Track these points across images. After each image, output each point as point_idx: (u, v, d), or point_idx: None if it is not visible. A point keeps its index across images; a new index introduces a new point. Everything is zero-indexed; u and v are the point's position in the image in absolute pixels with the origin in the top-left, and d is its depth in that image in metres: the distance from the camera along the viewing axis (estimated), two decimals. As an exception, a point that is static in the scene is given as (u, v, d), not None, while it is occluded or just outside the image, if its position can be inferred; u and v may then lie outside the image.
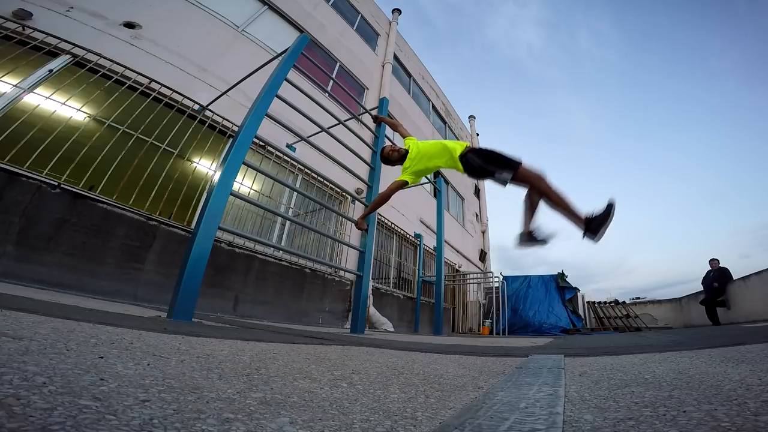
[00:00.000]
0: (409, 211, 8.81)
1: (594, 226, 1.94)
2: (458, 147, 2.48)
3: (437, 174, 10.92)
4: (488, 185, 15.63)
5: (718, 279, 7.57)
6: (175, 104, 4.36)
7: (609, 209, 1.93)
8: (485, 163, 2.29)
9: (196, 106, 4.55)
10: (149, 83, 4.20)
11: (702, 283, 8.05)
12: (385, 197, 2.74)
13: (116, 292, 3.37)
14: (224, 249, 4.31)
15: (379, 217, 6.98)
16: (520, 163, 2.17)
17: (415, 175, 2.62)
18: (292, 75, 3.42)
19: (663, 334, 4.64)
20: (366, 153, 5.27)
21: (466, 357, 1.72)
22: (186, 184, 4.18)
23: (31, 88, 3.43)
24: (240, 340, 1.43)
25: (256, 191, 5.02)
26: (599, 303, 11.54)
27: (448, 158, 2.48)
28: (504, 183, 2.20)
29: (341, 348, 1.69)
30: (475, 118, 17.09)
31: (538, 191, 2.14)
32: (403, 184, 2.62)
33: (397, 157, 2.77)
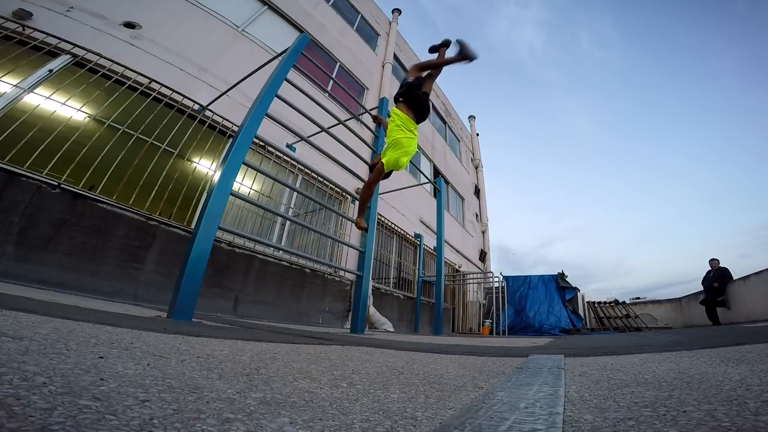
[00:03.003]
0: (409, 211, 8.81)
1: (466, 53, 2.73)
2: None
3: (437, 174, 10.96)
4: (488, 187, 15.63)
5: (718, 279, 7.56)
6: (175, 104, 4.36)
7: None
8: (416, 98, 2.77)
9: (196, 106, 4.55)
10: (149, 83, 4.20)
11: (702, 283, 8.05)
12: (371, 183, 2.80)
13: (116, 292, 3.37)
14: (224, 249, 4.31)
15: (379, 217, 6.99)
16: (412, 83, 2.77)
17: (392, 150, 2.62)
18: (292, 75, 3.42)
19: (663, 334, 4.64)
20: (366, 153, 5.26)
21: (466, 357, 1.72)
22: (186, 184, 4.18)
23: (31, 88, 3.43)
24: (240, 340, 1.43)
25: (256, 191, 5.02)
26: (599, 303, 11.53)
27: (406, 118, 2.70)
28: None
29: (341, 348, 1.69)
30: (475, 118, 17.10)
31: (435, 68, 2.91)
32: (381, 167, 2.64)
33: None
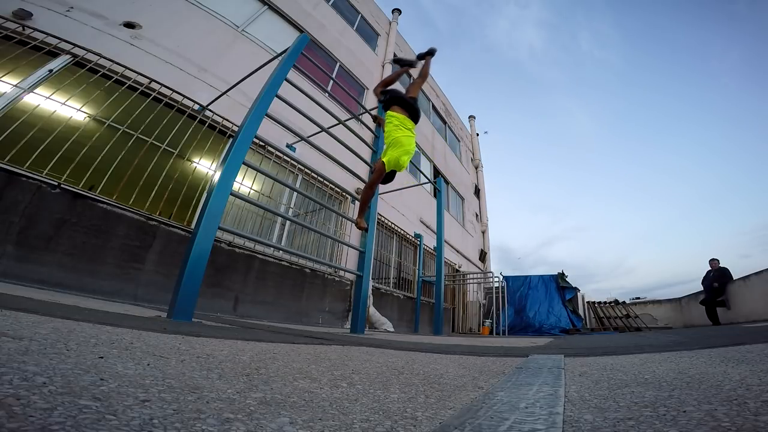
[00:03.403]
0: (409, 211, 8.81)
1: (403, 63, 3.35)
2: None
3: (437, 174, 10.96)
4: (488, 187, 15.65)
5: (718, 279, 7.56)
6: (175, 104, 4.36)
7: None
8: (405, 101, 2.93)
9: (196, 106, 4.55)
10: (149, 83, 4.20)
11: (702, 283, 8.04)
12: (372, 184, 2.85)
13: (116, 292, 3.37)
14: (224, 249, 4.31)
15: (379, 217, 6.99)
16: (394, 94, 3.02)
17: (393, 149, 2.67)
18: (292, 75, 3.42)
19: (663, 334, 4.64)
20: (366, 153, 5.27)
21: (466, 357, 1.72)
22: (186, 184, 4.18)
23: (31, 88, 3.42)
24: (240, 340, 1.43)
25: (256, 191, 5.02)
26: (599, 303, 11.52)
27: (403, 118, 2.80)
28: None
29: (341, 348, 1.70)
30: (475, 118, 17.09)
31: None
32: (381, 166, 2.68)
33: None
